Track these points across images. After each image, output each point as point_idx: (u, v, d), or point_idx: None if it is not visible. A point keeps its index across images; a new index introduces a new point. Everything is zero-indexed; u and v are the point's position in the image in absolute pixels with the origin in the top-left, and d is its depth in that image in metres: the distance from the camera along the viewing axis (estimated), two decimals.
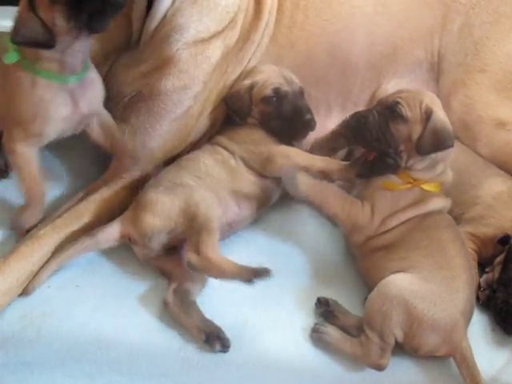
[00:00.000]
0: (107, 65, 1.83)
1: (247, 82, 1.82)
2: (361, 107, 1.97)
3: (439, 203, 1.61)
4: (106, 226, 1.59)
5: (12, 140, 1.57)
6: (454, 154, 1.75)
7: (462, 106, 1.89)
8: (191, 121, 1.82)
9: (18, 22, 1.44)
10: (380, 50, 1.95)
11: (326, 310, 1.54)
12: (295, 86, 1.79)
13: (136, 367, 1.46)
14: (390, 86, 1.98)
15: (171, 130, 1.77)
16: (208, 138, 1.88)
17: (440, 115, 1.57)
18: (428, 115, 1.55)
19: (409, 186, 1.58)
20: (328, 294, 1.59)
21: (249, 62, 1.91)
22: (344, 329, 1.51)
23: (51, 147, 1.75)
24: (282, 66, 1.87)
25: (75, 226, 1.62)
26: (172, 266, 1.57)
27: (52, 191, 1.78)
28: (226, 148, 1.75)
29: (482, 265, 1.69)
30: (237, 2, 1.81)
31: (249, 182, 1.71)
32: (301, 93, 1.80)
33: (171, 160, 1.80)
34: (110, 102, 1.80)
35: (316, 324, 1.51)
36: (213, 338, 1.44)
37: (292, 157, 1.69)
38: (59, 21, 1.44)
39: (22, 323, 1.48)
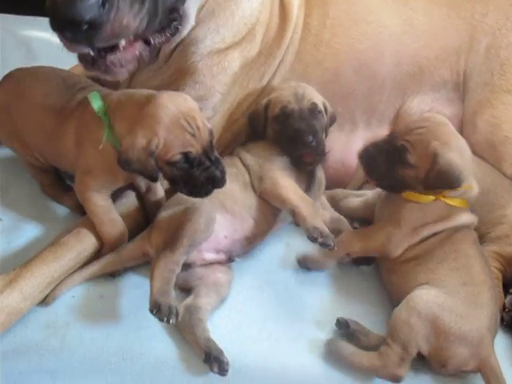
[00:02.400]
0: (125, 82, 1.86)
1: (265, 100, 1.82)
2: (385, 124, 1.99)
3: (467, 219, 1.61)
4: (129, 244, 1.60)
5: (87, 190, 1.59)
6: (481, 175, 1.77)
7: (488, 125, 1.89)
8: None
9: (133, 158, 1.45)
10: (406, 69, 1.96)
11: (346, 330, 1.52)
12: (305, 104, 1.76)
13: (159, 379, 1.45)
14: (414, 104, 1.99)
15: None
16: (231, 151, 1.89)
17: (447, 157, 1.54)
18: (434, 159, 1.54)
19: (431, 198, 1.59)
20: (350, 309, 1.60)
21: (273, 78, 1.93)
22: (367, 349, 1.49)
23: None
24: (307, 82, 1.88)
25: (97, 234, 1.62)
26: (191, 280, 1.57)
27: None
28: (241, 160, 1.76)
29: (507, 285, 1.68)
30: (255, 13, 1.84)
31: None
32: (311, 110, 1.76)
33: None
34: None
35: (329, 340, 1.49)
36: (211, 360, 1.41)
37: (279, 187, 1.66)
38: (165, 175, 1.51)
39: (45, 332, 1.47)
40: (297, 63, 1.94)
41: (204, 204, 1.57)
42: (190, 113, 1.47)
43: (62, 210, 1.78)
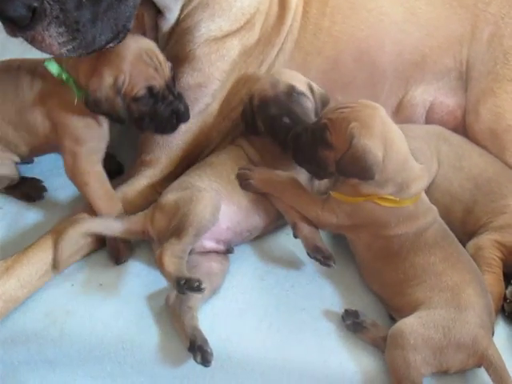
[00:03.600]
0: None
1: (249, 94, 1.78)
2: (388, 113, 1.95)
3: (410, 226, 1.53)
4: (131, 216, 1.60)
5: (78, 159, 1.60)
6: (483, 164, 1.77)
7: (490, 114, 1.87)
8: (210, 118, 1.82)
9: (101, 97, 1.51)
10: (408, 57, 1.93)
11: (354, 321, 1.49)
12: (281, 88, 1.69)
13: (159, 369, 1.44)
14: (418, 93, 1.97)
15: (190, 128, 1.78)
16: (231, 139, 1.88)
17: (363, 142, 1.46)
18: (350, 141, 1.47)
19: (360, 199, 1.53)
20: (352, 299, 1.58)
21: (273, 66, 1.91)
22: (374, 341, 1.48)
23: None
24: (306, 71, 1.85)
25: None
26: (188, 267, 1.55)
27: (75, 189, 1.78)
28: (246, 153, 1.74)
29: (509, 275, 1.66)
30: (254, 3, 1.82)
31: None
32: (287, 94, 1.68)
33: (193, 159, 1.80)
34: None
35: None
36: (195, 349, 1.39)
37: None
38: (132, 113, 1.57)
39: (45, 321, 1.47)
40: (296, 52, 1.92)
41: (210, 191, 1.57)
42: (150, 49, 1.56)
43: (61, 198, 1.78)
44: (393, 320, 1.52)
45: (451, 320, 1.40)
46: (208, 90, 1.78)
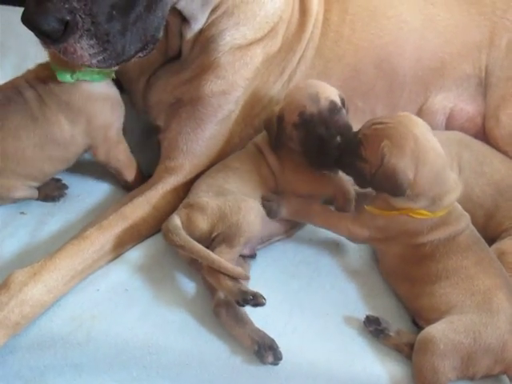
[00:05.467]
0: (143, 79, 1.89)
1: (277, 107, 1.72)
2: None
3: (443, 231, 1.54)
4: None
5: (115, 140, 1.77)
6: (505, 170, 1.78)
7: (511, 120, 1.88)
8: (234, 126, 1.84)
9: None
10: (428, 64, 1.95)
11: (376, 328, 1.49)
12: (323, 104, 1.62)
13: (185, 373, 1.44)
14: (438, 100, 1.97)
15: (213, 135, 1.80)
16: None
17: (393, 162, 1.48)
18: (382, 159, 1.50)
19: (394, 213, 1.55)
20: (375, 303, 1.58)
21: (294, 73, 1.92)
22: (397, 347, 1.47)
23: None
24: (327, 78, 1.86)
25: (120, 227, 1.64)
26: None
27: (98, 194, 1.82)
28: (266, 159, 1.73)
29: None
30: (277, 12, 1.83)
31: None
32: (331, 110, 1.62)
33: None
34: (151, 111, 1.88)
35: None
36: (265, 350, 1.41)
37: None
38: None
39: (71, 326, 1.47)
40: (317, 59, 1.94)
41: (255, 201, 1.59)
42: None
43: (85, 204, 1.79)
44: (416, 325, 1.53)
45: (482, 324, 1.40)
46: (231, 97, 1.79)
